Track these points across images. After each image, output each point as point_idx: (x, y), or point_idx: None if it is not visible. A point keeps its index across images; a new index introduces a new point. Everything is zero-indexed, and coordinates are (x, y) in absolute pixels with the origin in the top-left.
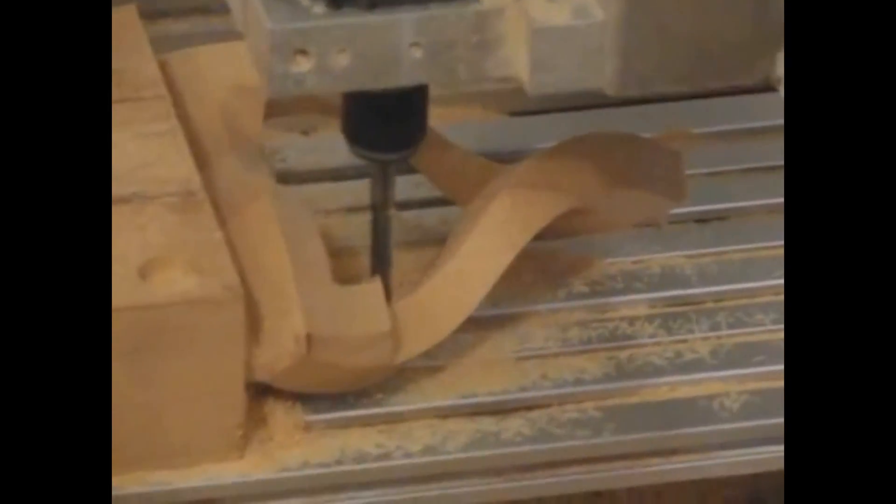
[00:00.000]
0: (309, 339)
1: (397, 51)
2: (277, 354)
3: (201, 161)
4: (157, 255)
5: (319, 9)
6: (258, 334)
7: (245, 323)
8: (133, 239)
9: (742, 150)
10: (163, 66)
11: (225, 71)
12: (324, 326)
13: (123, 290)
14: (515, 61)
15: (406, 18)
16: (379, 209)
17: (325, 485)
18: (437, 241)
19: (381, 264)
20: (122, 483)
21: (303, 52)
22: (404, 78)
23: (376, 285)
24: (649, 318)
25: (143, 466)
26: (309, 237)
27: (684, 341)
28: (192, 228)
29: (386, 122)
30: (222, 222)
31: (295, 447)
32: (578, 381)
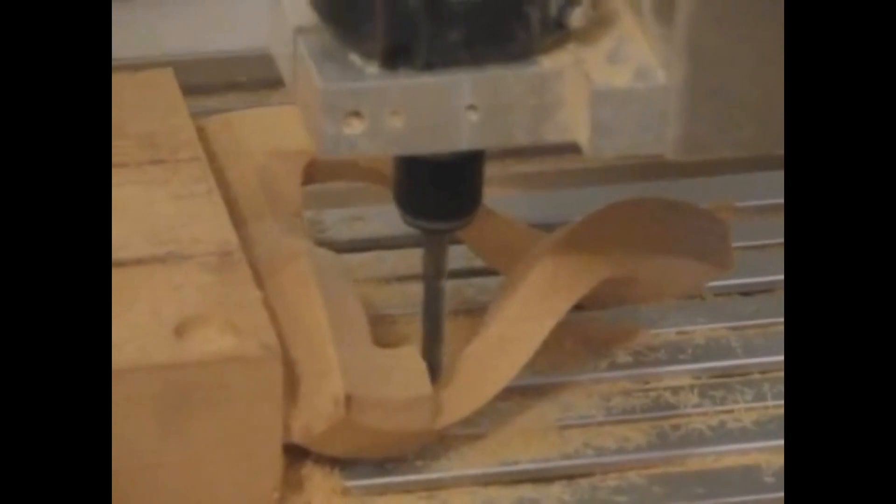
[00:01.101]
0: (348, 400)
1: (453, 114)
2: (315, 416)
3: (238, 225)
4: (193, 313)
5: (373, 69)
6: (296, 395)
7: (283, 382)
8: (168, 298)
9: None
10: (200, 131)
11: (263, 135)
12: (363, 388)
13: (159, 347)
14: (574, 125)
15: (463, 80)
16: (431, 280)
17: None
18: (477, 311)
19: (432, 338)
20: None
21: (356, 113)
22: (460, 142)
23: (414, 349)
24: (693, 388)
25: None
26: (347, 299)
27: (729, 411)
28: (228, 287)
29: (441, 190)
30: (260, 284)
31: None
32: (622, 450)
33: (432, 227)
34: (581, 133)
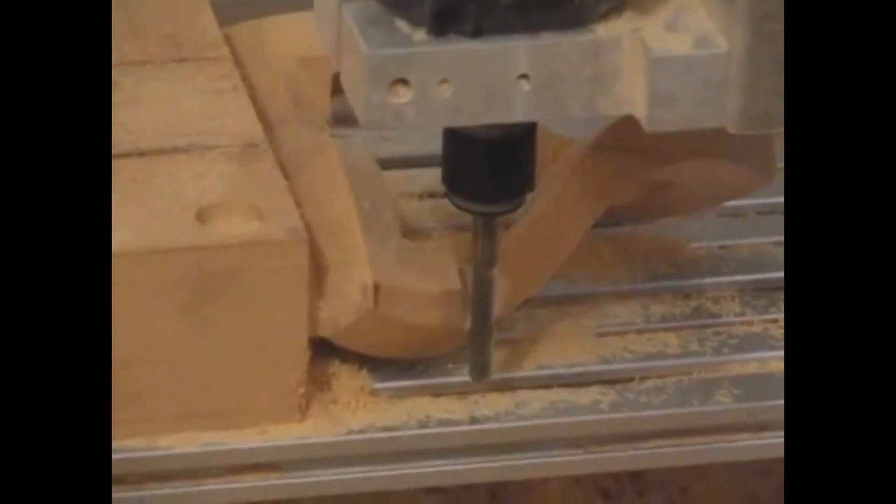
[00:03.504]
0: (377, 290)
1: (505, 83)
2: (343, 307)
3: (265, 130)
4: (216, 199)
5: (421, 35)
6: (323, 286)
7: (309, 270)
8: (191, 185)
9: None
10: (227, 39)
11: (293, 42)
12: (392, 280)
13: (180, 231)
14: (631, 97)
15: (515, 46)
16: (482, 268)
17: (391, 450)
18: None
19: (482, 331)
20: (173, 443)
21: (402, 81)
22: (512, 114)
23: (446, 244)
24: (735, 298)
25: (196, 425)
26: (378, 191)
27: (773, 320)
28: (253, 176)
29: (494, 170)
30: (286, 176)
31: (360, 411)
32: (661, 355)
33: (484, 209)
34: (638, 105)
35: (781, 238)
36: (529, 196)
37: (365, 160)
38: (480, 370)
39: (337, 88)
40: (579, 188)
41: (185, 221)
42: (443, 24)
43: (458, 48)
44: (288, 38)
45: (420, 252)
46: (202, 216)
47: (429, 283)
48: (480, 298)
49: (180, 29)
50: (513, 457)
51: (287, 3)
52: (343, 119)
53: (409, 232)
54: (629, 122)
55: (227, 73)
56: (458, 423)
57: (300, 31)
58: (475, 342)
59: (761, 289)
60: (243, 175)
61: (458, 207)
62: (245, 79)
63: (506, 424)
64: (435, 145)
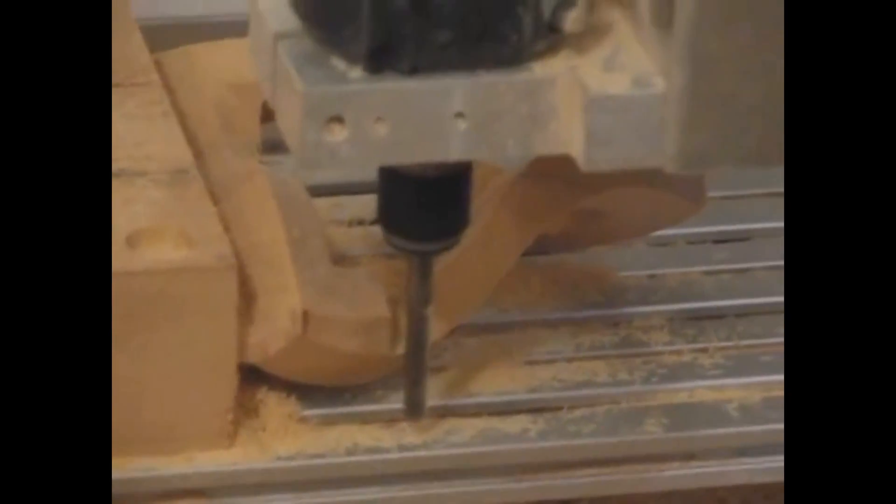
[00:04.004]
0: (305, 317)
1: (441, 121)
2: (272, 333)
3: (195, 156)
4: (146, 225)
5: (357, 73)
6: (252, 312)
7: (238, 296)
8: (120, 210)
9: (762, 175)
10: (158, 65)
11: (223, 68)
12: (321, 306)
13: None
14: (568, 136)
15: (451, 85)
16: (417, 307)
17: (319, 478)
18: None
19: (417, 370)
20: None
21: (338, 119)
22: (448, 152)
23: (376, 271)
24: (664, 327)
25: (125, 451)
26: (307, 217)
27: (703, 350)
28: (182, 202)
29: (430, 208)
30: (216, 202)
31: (288, 438)
32: (590, 383)
33: (420, 248)
34: (575, 145)
35: (710, 267)
36: None
37: (294, 187)
38: (415, 408)
39: (267, 115)
40: (509, 216)
41: (115, 246)
42: (378, 61)
43: (394, 86)
44: (218, 64)
45: (349, 279)
46: (131, 242)
47: (357, 310)
48: (415, 337)
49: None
50: (441, 485)
51: (218, 30)
52: (273, 146)
53: (339, 259)
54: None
55: (158, 99)
56: (386, 450)
57: (231, 57)
58: (410, 380)
59: (690, 318)
60: (173, 201)
61: (394, 247)
62: (175, 105)
63: (434, 452)
64: (364, 173)
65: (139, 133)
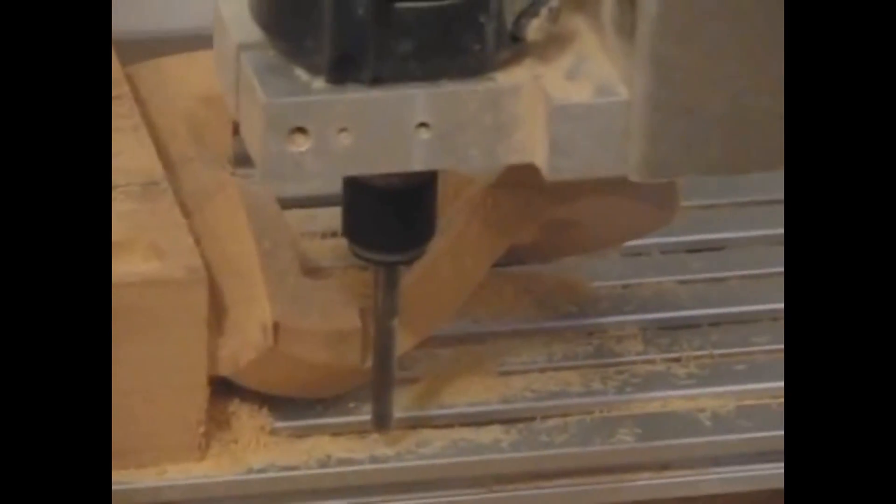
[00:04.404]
0: (276, 328)
1: (404, 132)
2: (242, 344)
3: (166, 168)
4: (116, 238)
5: (320, 83)
6: (222, 324)
7: (208, 308)
8: None
9: (736, 183)
10: (129, 77)
11: (193, 81)
12: (292, 318)
13: None
14: (532, 145)
15: (414, 95)
16: (383, 319)
17: (292, 490)
18: None
19: (384, 382)
20: None
21: (301, 129)
22: (412, 163)
23: (347, 282)
24: (638, 337)
25: None
26: (277, 229)
27: (676, 359)
28: (153, 215)
29: (394, 218)
30: (187, 215)
31: (260, 450)
32: (563, 394)
33: (385, 259)
34: (539, 154)
35: (684, 276)
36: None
37: (265, 199)
38: (382, 420)
39: (238, 128)
40: (480, 226)
41: None
42: (341, 72)
43: (357, 97)
44: (189, 77)
45: (320, 291)
46: None
47: (328, 321)
48: (382, 349)
49: None
50: (414, 496)
51: (189, 43)
52: (245, 158)
53: (311, 271)
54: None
55: (128, 112)
56: (358, 462)
57: (202, 70)
58: (377, 392)
59: (664, 327)
60: (143, 213)
61: (359, 257)
62: (146, 117)
63: (407, 464)
64: (336, 185)
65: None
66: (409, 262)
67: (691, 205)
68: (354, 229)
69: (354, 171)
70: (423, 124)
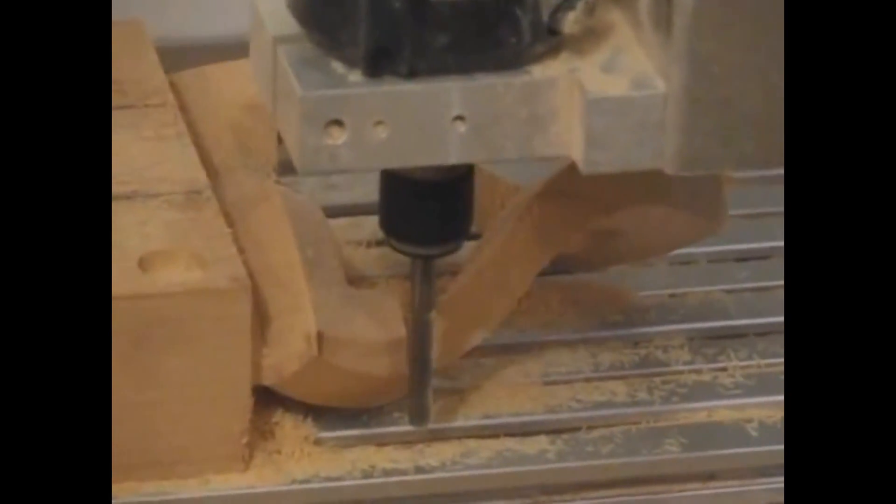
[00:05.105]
0: (320, 338)
1: (440, 125)
2: (287, 355)
3: (210, 177)
4: (158, 248)
5: (356, 77)
6: (266, 334)
7: (252, 318)
8: (133, 233)
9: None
10: (173, 86)
11: (238, 89)
12: (336, 328)
13: (122, 281)
14: (568, 139)
15: (450, 88)
16: (419, 312)
17: (335, 500)
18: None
19: (421, 377)
20: (115, 493)
21: (337, 122)
22: (448, 156)
23: (392, 291)
24: (684, 346)
25: (138, 475)
26: (322, 238)
27: (722, 369)
28: (196, 224)
29: (431, 211)
30: (230, 224)
31: (304, 461)
32: (609, 404)
33: (422, 252)
34: (575, 147)
35: (731, 286)
36: (476, 243)
37: (309, 207)
38: (420, 415)
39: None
40: (526, 235)
41: (127, 270)
42: (377, 65)
43: (393, 89)
44: (233, 84)
45: (364, 300)
46: (144, 264)
47: (373, 331)
48: (419, 342)
49: (125, 75)
50: None
51: (232, 51)
52: (289, 167)
53: (356, 280)
54: (576, 169)
55: (172, 120)
56: (403, 472)
57: (246, 77)
58: (414, 387)
59: (710, 337)
60: (186, 223)
61: (396, 250)
62: (190, 125)
63: (452, 474)
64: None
65: (153, 154)
66: (445, 255)
67: (738, 213)
68: (391, 222)
69: (390, 164)
70: (459, 117)
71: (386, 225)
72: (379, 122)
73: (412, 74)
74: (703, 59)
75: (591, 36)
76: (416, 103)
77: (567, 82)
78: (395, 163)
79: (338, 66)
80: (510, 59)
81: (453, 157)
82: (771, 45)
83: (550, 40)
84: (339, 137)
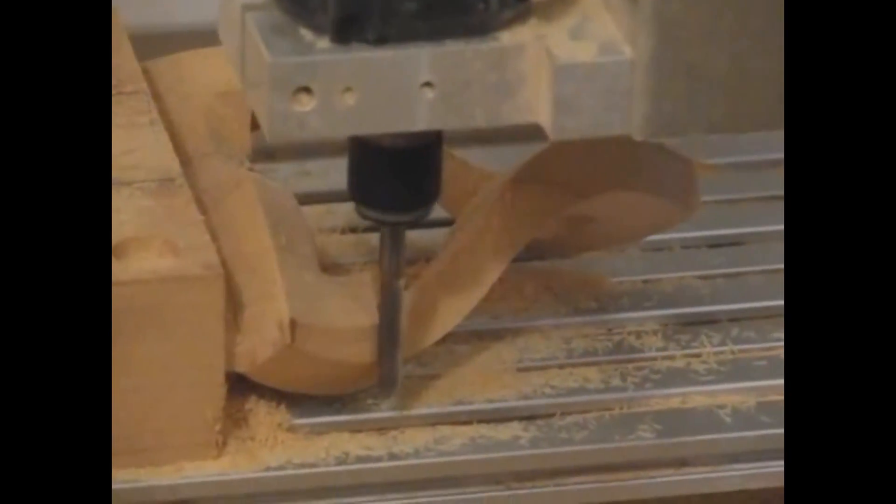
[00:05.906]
0: (293, 326)
1: (409, 91)
2: (259, 342)
3: (183, 164)
4: (132, 235)
5: (324, 43)
6: (239, 321)
7: (225, 305)
8: None
9: (757, 179)
10: (146, 73)
11: (212, 77)
12: (309, 315)
13: None
14: (536, 105)
15: (419, 54)
16: (389, 279)
17: (309, 487)
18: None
19: (390, 344)
20: None
21: (306, 89)
22: (416, 122)
23: (365, 278)
24: (658, 333)
25: (112, 462)
26: (295, 225)
27: (696, 355)
28: (169, 211)
29: (399, 178)
30: (203, 211)
31: (277, 447)
32: (582, 390)
33: (390, 219)
34: (543, 113)
35: (704, 272)
36: (449, 229)
37: (283, 194)
38: (388, 383)
39: (256, 123)
40: (500, 222)
41: None
42: (346, 31)
43: (361, 56)
44: (207, 72)
45: (337, 287)
46: (118, 252)
47: (346, 318)
48: (388, 309)
49: None
50: (432, 493)
51: (206, 38)
52: (263, 154)
53: (329, 267)
54: (550, 155)
55: (145, 108)
56: (376, 459)
57: (219, 65)
58: (382, 355)
59: (684, 323)
60: (160, 210)
61: (364, 217)
62: (163, 113)
63: (425, 460)
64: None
65: (126, 142)
66: (413, 223)
67: (712, 199)
68: (359, 189)
69: (359, 130)
70: (427, 84)
71: (354, 192)
72: (347, 89)
73: (380, 41)
74: (669, 24)
75: (558, 2)
76: (385, 70)
77: (535, 49)
78: (363, 129)
79: (306, 34)
80: (478, 25)
81: (422, 123)
82: (737, 11)
83: (518, 7)
84: (307, 104)
